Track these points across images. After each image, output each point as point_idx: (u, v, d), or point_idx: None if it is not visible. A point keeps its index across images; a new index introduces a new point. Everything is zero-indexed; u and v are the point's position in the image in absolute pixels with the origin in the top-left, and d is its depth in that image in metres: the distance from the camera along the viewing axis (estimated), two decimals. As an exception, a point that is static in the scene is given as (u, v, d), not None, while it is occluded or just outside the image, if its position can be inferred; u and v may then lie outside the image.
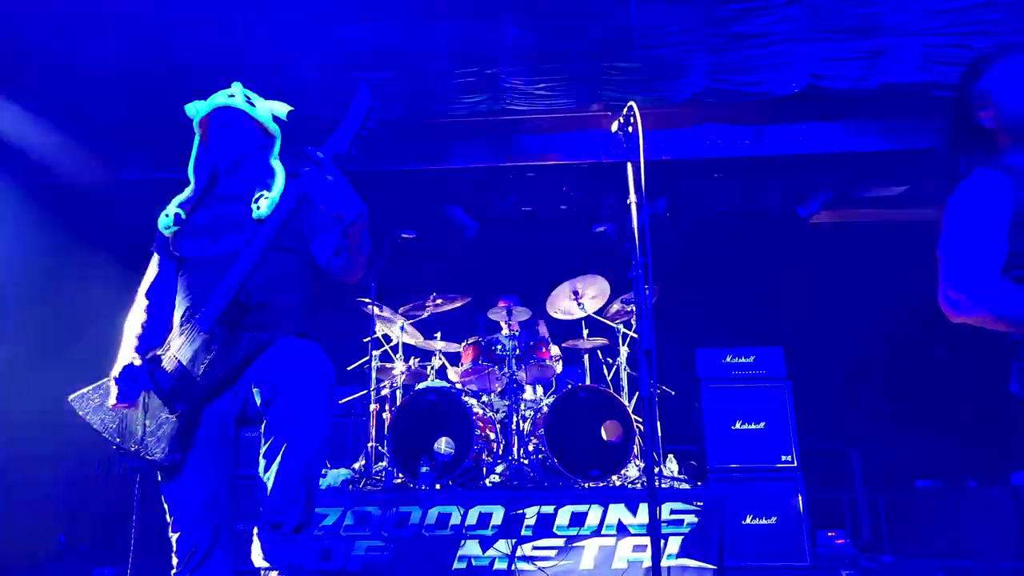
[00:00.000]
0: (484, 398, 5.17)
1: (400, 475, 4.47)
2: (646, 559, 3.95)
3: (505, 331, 4.99)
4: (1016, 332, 1.83)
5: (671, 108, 5.58)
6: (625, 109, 2.58)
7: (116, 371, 2.16)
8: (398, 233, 5.09)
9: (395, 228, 5.15)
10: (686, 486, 4.42)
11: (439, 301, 5.14)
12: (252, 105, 2.41)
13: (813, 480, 5.56)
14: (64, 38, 5.00)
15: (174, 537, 2.14)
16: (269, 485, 1.91)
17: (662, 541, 3.98)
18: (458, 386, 5.05)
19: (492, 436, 4.80)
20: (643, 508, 4.06)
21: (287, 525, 1.91)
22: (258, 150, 2.42)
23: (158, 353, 2.21)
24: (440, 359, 5.32)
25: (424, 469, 4.32)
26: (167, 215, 2.34)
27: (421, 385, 4.83)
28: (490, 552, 3.98)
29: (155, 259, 2.43)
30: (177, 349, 2.16)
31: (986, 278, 1.80)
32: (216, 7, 5.03)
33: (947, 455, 6.33)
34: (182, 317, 2.23)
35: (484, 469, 4.59)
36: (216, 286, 2.12)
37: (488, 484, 4.51)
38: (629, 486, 4.35)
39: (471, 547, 4.00)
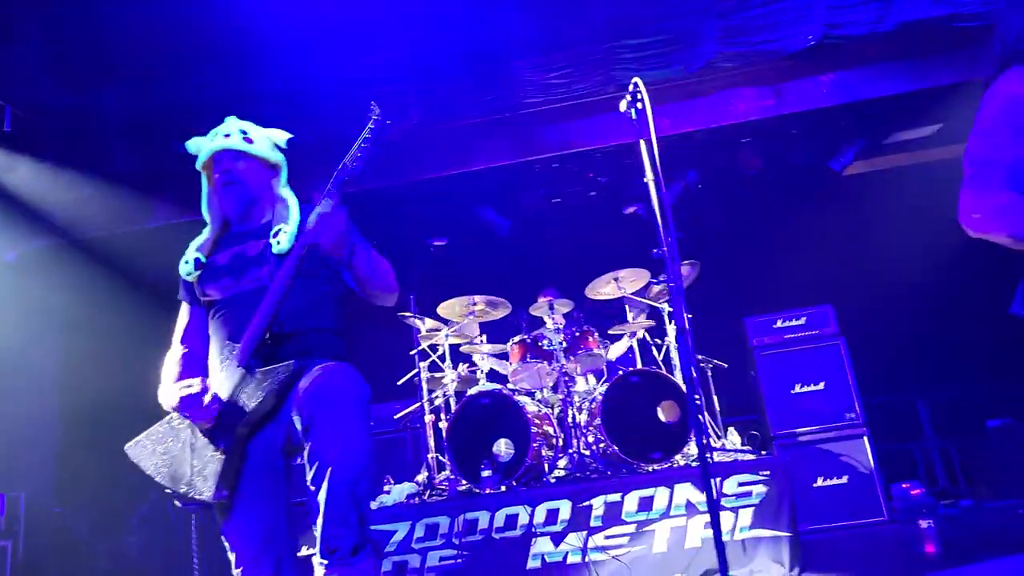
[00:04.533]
0: (537, 395, 5.17)
1: (464, 482, 4.50)
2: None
3: (550, 325, 4.99)
4: None
5: (688, 79, 5.50)
6: (631, 86, 2.52)
7: (171, 408, 2.20)
8: (430, 242, 5.11)
9: (427, 237, 5.17)
10: (751, 457, 4.36)
11: (480, 305, 5.15)
12: (249, 141, 2.37)
13: (881, 434, 5.46)
14: (75, 90, 5.10)
15: (236, 573, 2.16)
16: (320, 511, 1.93)
17: (733, 515, 3.95)
18: (510, 386, 5.06)
19: (550, 432, 4.80)
20: (711, 484, 4.02)
21: (343, 549, 1.91)
22: (265, 186, 2.41)
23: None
24: (488, 362, 5.34)
25: (486, 473, 4.34)
26: (187, 261, 2.37)
27: (473, 390, 4.84)
28: (563, 547, 3.98)
29: (184, 307, 2.46)
30: (217, 387, 2.20)
31: (1003, 193, 1.72)
32: (220, 42, 5.10)
33: (1015, 391, 6.14)
34: (220, 355, 2.26)
35: (546, 466, 4.60)
36: (249, 322, 2.16)
37: (552, 480, 4.52)
38: (693, 464, 4.32)
39: (543, 544, 4.01)
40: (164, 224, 6.02)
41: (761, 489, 4.00)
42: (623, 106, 2.55)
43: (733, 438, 4.84)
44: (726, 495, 3.99)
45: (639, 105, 2.49)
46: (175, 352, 2.40)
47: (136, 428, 2.34)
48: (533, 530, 4.03)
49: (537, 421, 4.68)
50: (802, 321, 5.32)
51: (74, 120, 5.23)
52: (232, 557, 2.18)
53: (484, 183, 6.38)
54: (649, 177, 2.54)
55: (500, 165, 5.96)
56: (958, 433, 6.32)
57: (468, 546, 4.04)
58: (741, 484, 4.02)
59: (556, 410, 5.05)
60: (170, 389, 2.23)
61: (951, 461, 6.37)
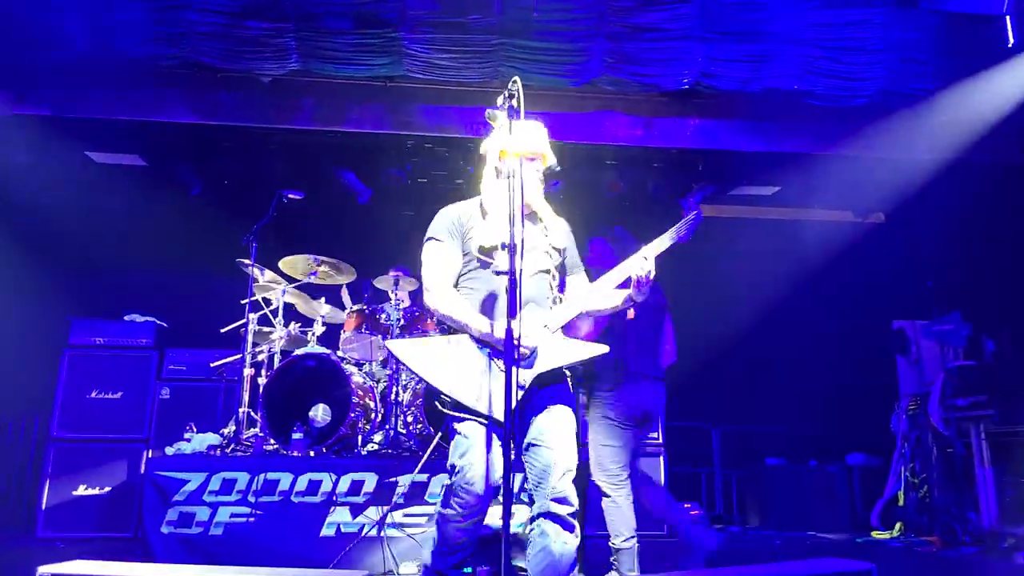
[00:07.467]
0: (366, 367, 5.14)
1: (272, 441, 4.39)
2: (514, 524, 4.08)
3: (392, 300, 4.97)
4: None
5: (569, 92, 5.67)
6: (510, 84, 2.56)
7: (494, 339, 2.66)
8: (284, 193, 4.93)
9: (282, 187, 4.99)
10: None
11: (324, 267, 5.03)
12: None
13: (677, 456, 5.91)
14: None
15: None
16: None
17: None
18: (339, 353, 4.99)
19: (371, 405, 4.79)
20: (517, 477, 4.19)
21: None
22: None
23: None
24: (322, 325, 5.23)
25: (297, 435, 4.26)
26: None
27: (300, 351, 4.73)
28: (360, 519, 4.00)
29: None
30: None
31: None
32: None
33: (793, 436, 6.89)
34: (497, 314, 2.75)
35: (360, 438, 4.58)
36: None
37: (363, 452, 4.51)
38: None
39: (341, 514, 4.00)
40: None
41: (559, 490, 4.20)
42: (499, 100, 2.59)
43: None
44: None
45: (514, 103, 2.53)
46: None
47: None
48: (334, 499, 4.02)
49: (360, 392, 4.65)
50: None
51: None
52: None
53: (352, 147, 6.23)
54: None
55: (372, 132, 5.85)
56: (742, 465, 6.97)
57: (264, 506, 3.95)
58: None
59: (381, 385, 5.04)
60: (495, 323, 2.68)
61: (731, 490, 7.03)
